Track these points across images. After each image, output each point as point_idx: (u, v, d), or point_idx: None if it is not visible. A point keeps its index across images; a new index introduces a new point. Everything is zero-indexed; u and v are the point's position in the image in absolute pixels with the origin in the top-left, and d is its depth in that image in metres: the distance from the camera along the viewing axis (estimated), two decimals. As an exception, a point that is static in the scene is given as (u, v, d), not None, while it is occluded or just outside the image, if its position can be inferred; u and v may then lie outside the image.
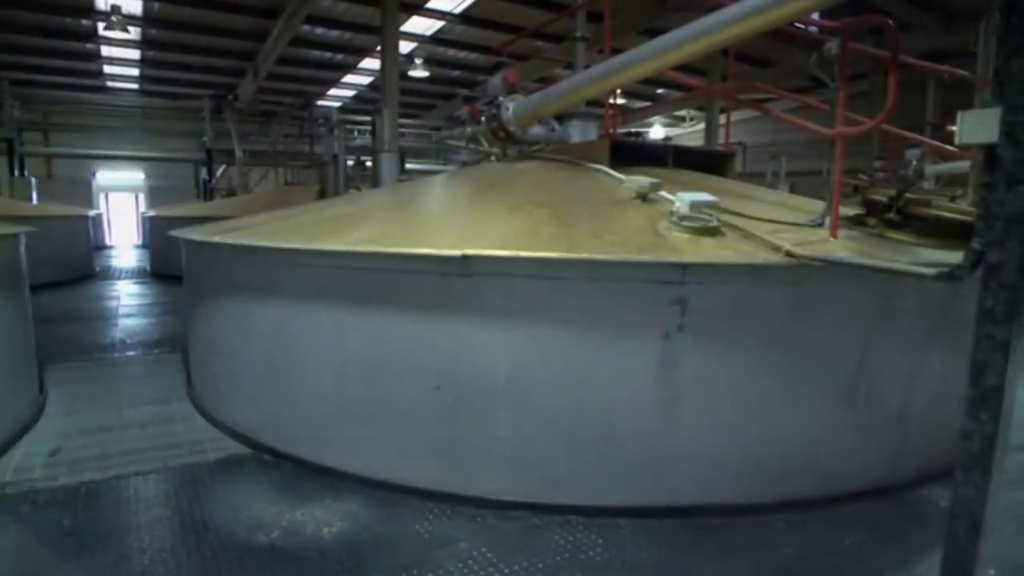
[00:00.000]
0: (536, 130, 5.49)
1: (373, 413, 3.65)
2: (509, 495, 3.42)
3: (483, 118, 5.48)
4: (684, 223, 3.48)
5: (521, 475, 3.44)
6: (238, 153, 15.84)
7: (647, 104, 22.29)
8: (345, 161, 10.19)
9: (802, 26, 6.67)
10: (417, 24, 15.30)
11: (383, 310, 3.54)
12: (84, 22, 15.56)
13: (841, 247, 3.39)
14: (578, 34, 5.74)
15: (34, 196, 16.78)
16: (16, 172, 16.57)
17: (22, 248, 5.01)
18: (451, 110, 21.23)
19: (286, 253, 3.78)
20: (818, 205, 4.05)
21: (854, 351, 3.43)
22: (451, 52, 17.67)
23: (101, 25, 15.13)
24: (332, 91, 22.07)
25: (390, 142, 8.46)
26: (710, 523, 3.34)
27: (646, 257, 3.14)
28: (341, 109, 19.96)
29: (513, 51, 7.61)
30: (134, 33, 15.70)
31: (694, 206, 3.56)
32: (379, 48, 11.02)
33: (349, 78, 20.51)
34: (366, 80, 20.68)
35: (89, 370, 6.40)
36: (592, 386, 3.32)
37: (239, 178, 16.33)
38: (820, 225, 3.71)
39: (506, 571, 2.93)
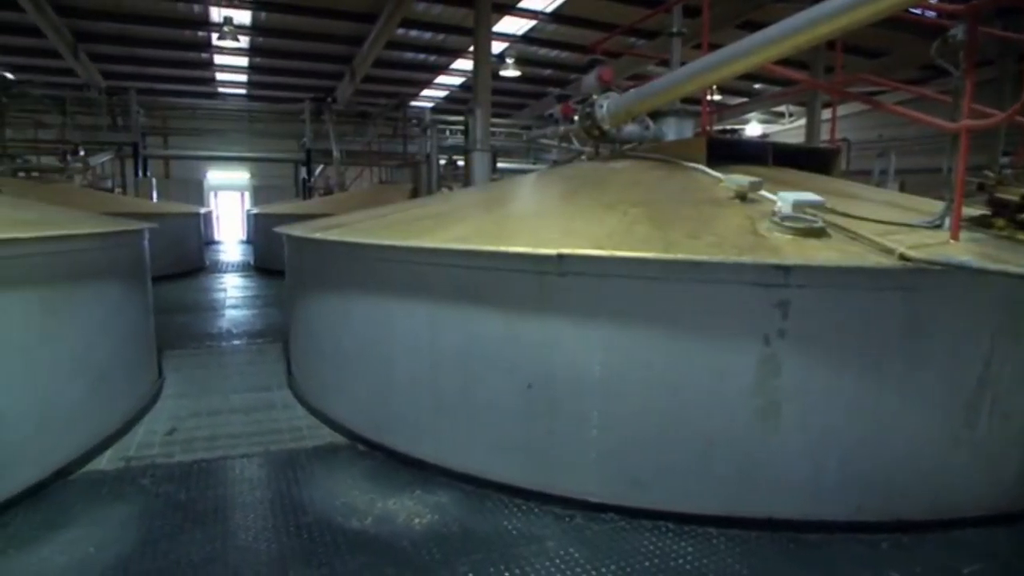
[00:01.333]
0: (630, 128, 5.40)
1: (465, 408, 3.71)
2: (598, 496, 3.39)
3: (576, 116, 5.45)
4: (787, 224, 3.32)
5: (610, 476, 3.40)
6: (335, 153, 16.51)
7: (743, 100, 21.55)
8: (437, 160, 10.41)
9: (918, 11, 6.22)
10: (509, 24, 15.44)
11: (476, 307, 3.59)
12: (200, 34, 16.68)
13: (964, 250, 3.12)
14: (674, 29, 5.60)
15: (154, 194, 18.19)
16: (139, 173, 17.98)
17: (145, 242, 5.42)
18: (542, 109, 21.26)
19: (384, 250, 3.90)
20: (934, 205, 3.77)
21: (976, 365, 3.17)
22: (542, 51, 17.72)
23: (214, 36, 16.16)
24: (425, 92, 22.63)
25: (482, 141, 8.57)
26: (808, 539, 3.18)
27: (747, 258, 3.02)
28: (434, 109, 20.47)
29: (606, 48, 7.52)
30: (243, 42, 16.66)
31: (797, 206, 3.39)
32: (471, 49, 11.21)
33: (441, 79, 20.98)
34: (458, 80, 21.09)
35: (200, 357, 6.85)
36: (686, 390, 3.23)
37: (336, 177, 17.02)
38: (938, 227, 3.44)
39: (594, 573, 2.91)
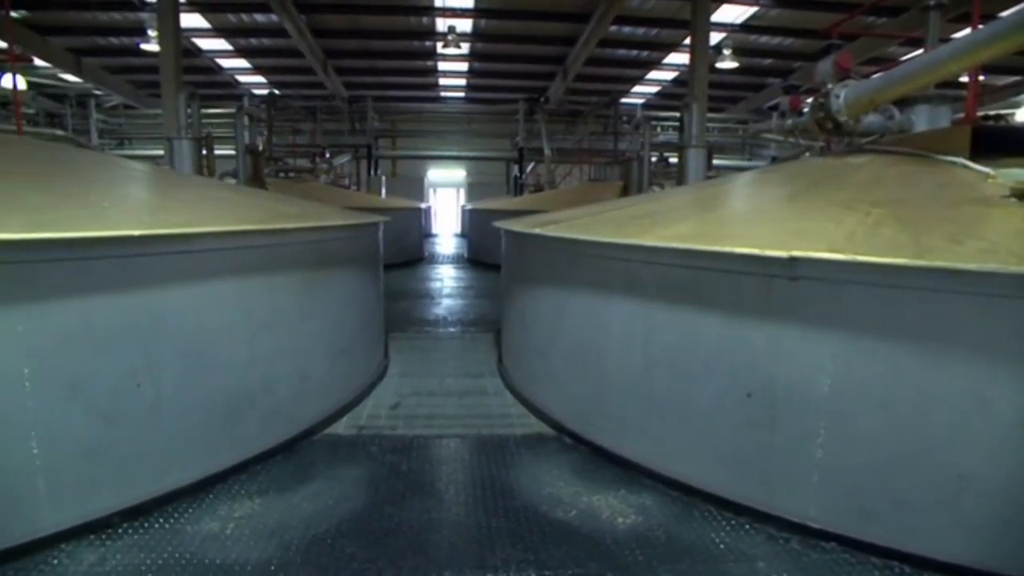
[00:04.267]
0: (870, 119, 4.84)
1: (676, 411, 3.60)
2: (819, 522, 3.10)
3: (806, 108, 5.01)
4: (1086, 229, 2.75)
5: (835, 502, 3.08)
6: (547, 151, 17.00)
7: (1014, 79, 18.31)
8: (649, 158, 10.24)
9: None
10: (727, 13, 14.69)
11: (694, 308, 3.46)
12: (427, 44, 18.12)
13: None
14: (931, 2, 4.89)
15: (383, 191, 20.20)
16: (372, 171, 20.10)
17: (380, 234, 6.02)
18: (761, 102, 20.02)
19: (601, 246, 3.91)
20: None
21: None
22: (763, 39, 16.64)
23: (439, 45, 17.46)
24: (636, 88, 22.40)
25: (697, 137, 8.25)
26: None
27: (1031, 269, 2.54)
28: (645, 106, 20.19)
29: (843, 31, 6.81)
30: (464, 48, 17.80)
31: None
32: (686, 42, 10.84)
33: (653, 74, 20.62)
34: (670, 75, 20.59)
35: (419, 341, 7.46)
36: (935, 416, 2.82)
37: (547, 175, 17.52)
38: None
39: (813, 606, 2.67)
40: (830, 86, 4.82)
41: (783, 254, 2.95)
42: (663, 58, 18.75)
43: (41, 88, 20.06)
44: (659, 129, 18.63)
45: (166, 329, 3.40)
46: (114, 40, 17.46)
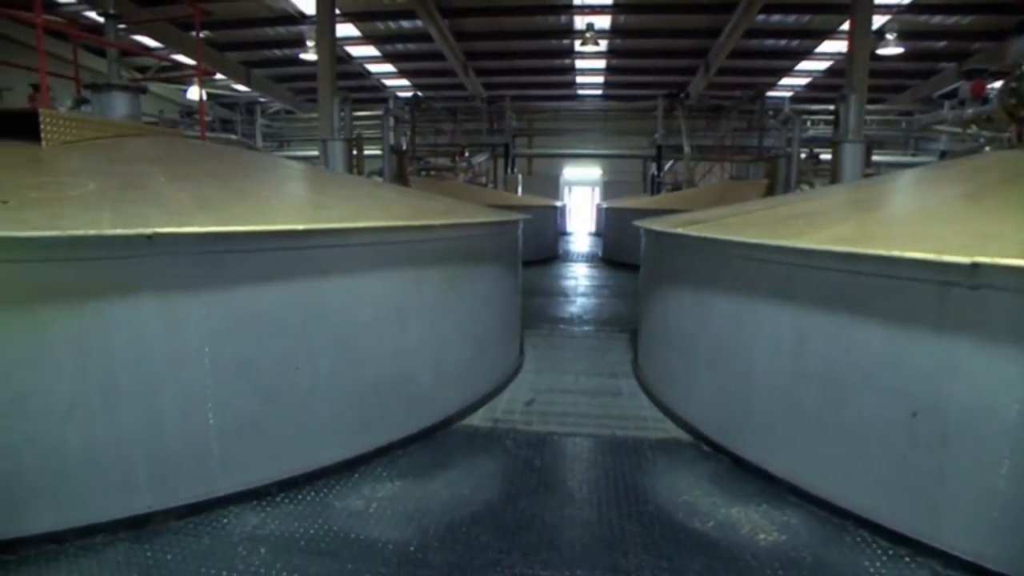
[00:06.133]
0: (1074, 106, 4.24)
1: (828, 425, 3.34)
2: (997, 564, 2.74)
3: (992, 95, 4.47)
4: None
5: (1020, 545, 2.73)
6: (686, 148, 16.47)
7: None
8: (798, 155, 9.61)
9: None
10: (894, -8, 13.48)
11: (852, 316, 3.19)
12: (564, 42, 18.19)
13: None
14: None
15: (519, 189, 20.54)
16: (508, 170, 20.51)
17: (520, 231, 6.12)
18: (930, 90, 18.15)
19: (749, 248, 3.72)
20: None
21: None
22: (936, 19, 15.05)
23: (577, 43, 17.47)
24: (784, 80, 21.17)
25: (855, 131, 7.61)
26: None
27: None
28: (793, 99, 19.00)
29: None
30: (602, 45, 17.67)
31: None
32: (844, 27, 10.05)
33: (804, 65, 19.39)
34: (822, 65, 19.27)
35: (554, 338, 7.51)
36: None
37: (686, 173, 16.98)
38: None
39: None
40: (1025, 69, 4.28)
41: (964, 260, 2.64)
42: (815, 47, 17.56)
43: (217, 98, 22.50)
44: (809, 124, 17.47)
45: (322, 317, 3.66)
46: (277, 52, 19.16)
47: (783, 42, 17.43)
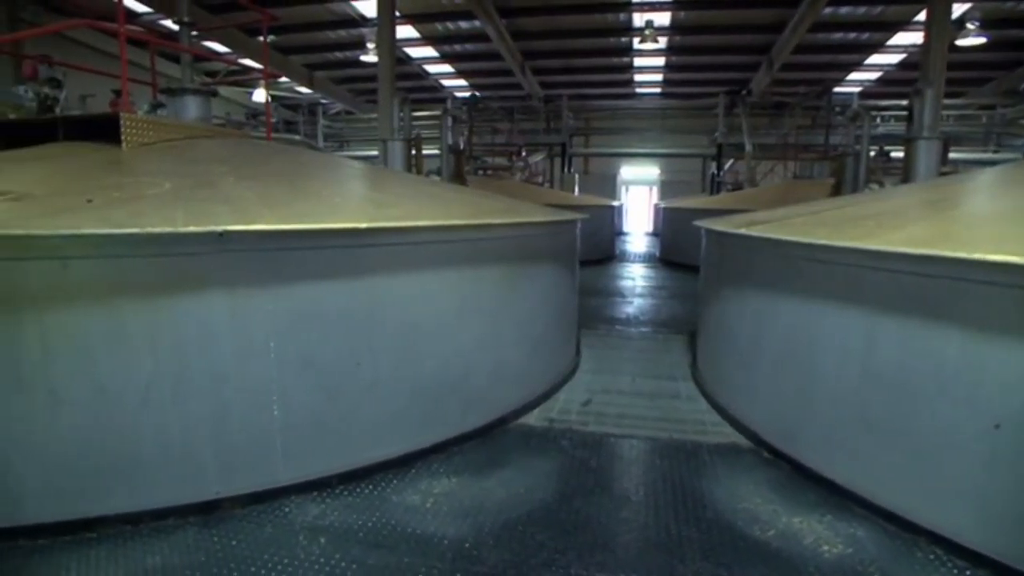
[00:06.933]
0: None
1: (898, 435, 3.19)
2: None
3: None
4: None
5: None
6: (748, 147, 16.04)
7: None
8: (867, 152, 9.23)
9: None
10: (976, -20, 12.73)
11: (928, 321, 3.03)
12: (622, 40, 17.98)
13: None
14: None
15: (576, 188, 20.45)
16: (565, 169, 20.45)
17: (578, 231, 6.09)
18: (1015, 82, 17.11)
19: (816, 249, 3.57)
20: None
21: None
22: (1023, 5, 14.14)
23: (635, 40, 17.24)
24: (852, 76, 20.37)
25: (931, 127, 7.23)
26: None
27: None
28: (862, 95, 18.25)
29: None
30: (661, 43, 17.38)
31: None
32: (920, 17, 9.57)
33: (874, 58, 18.57)
34: (895, 58, 18.41)
35: (610, 339, 7.44)
36: None
37: (747, 172, 16.55)
38: None
39: None
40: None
41: (1053, 263, 2.48)
42: (887, 39, 16.77)
43: (280, 100, 23.23)
44: (879, 120, 16.76)
45: (383, 314, 3.73)
46: (339, 54, 19.61)
47: (852, 35, 16.73)
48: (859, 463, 3.43)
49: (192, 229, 2.99)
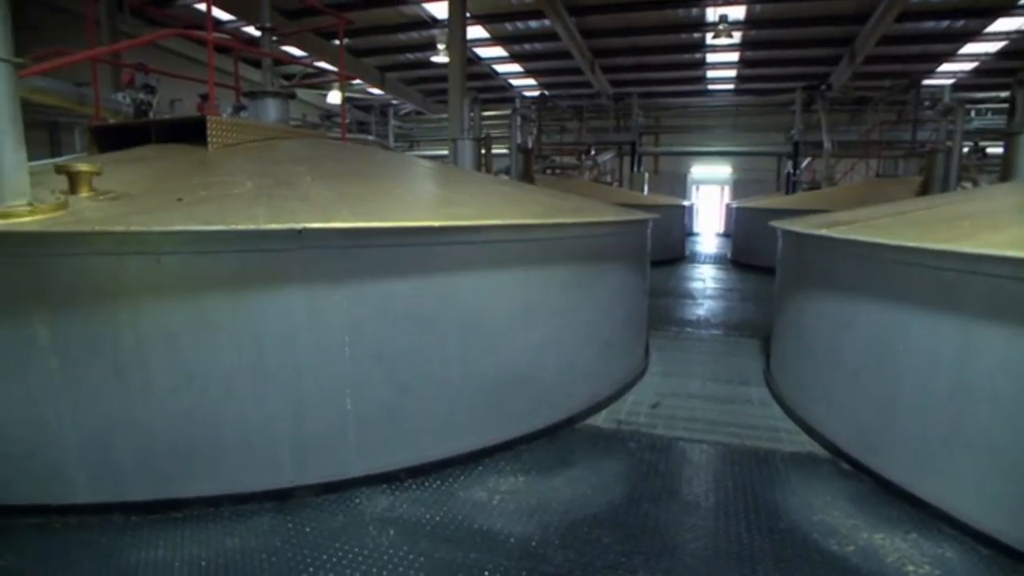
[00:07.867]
0: None
1: (999, 452, 2.97)
2: None
3: None
4: None
5: None
6: (826, 144, 15.35)
7: None
8: (960, 148, 8.67)
9: None
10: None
11: (1032, 330, 2.83)
12: (695, 35, 17.60)
13: None
14: None
15: (645, 188, 20.17)
16: (634, 168, 20.18)
17: (648, 231, 5.99)
18: None
19: (905, 252, 3.38)
20: None
21: None
22: None
23: (708, 36, 16.83)
24: (943, 67, 19.25)
25: (1034, 120, 6.69)
26: None
27: None
28: (954, 87, 17.19)
29: None
30: (735, 37, 16.91)
31: None
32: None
33: (968, 48, 17.48)
34: (992, 47, 17.25)
35: (680, 341, 7.29)
36: None
37: (825, 170, 15.84)
38: None
39: None
40: None
41: None
42: (984, 26, 15.74)
43: (353, 102, 23.90)
44: (973, 114, 15.75)
45: (454, 311, 3.77)
46: (410, 56, 20.02)
47: (944, 23, 15.77)
48: (950, 480, 3.23)
49: (273, 227, 3.11)
